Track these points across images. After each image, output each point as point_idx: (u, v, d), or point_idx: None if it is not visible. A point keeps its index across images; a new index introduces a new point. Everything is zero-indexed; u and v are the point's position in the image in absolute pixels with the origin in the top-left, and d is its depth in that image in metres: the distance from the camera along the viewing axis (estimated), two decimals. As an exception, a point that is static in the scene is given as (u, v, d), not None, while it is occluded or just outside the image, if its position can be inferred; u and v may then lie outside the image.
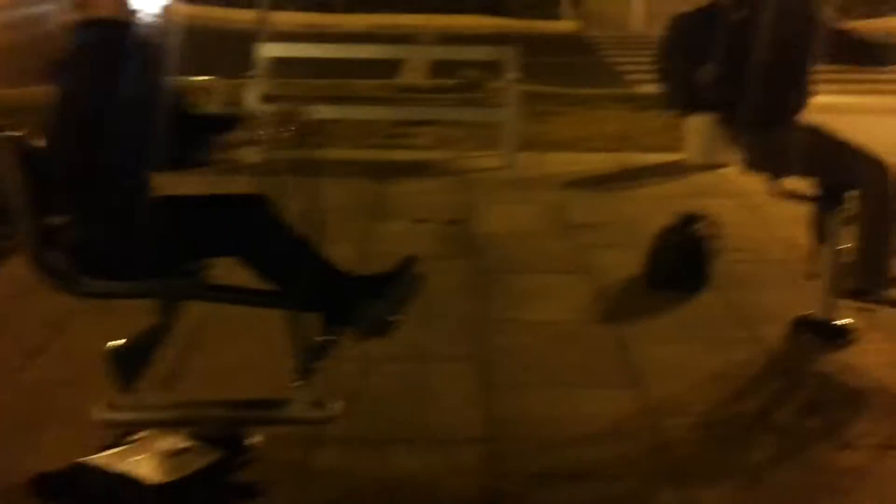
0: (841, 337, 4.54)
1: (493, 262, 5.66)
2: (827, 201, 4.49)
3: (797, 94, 4.42)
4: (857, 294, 4.40)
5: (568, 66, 14.41)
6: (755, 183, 7.30)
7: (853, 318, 4.58)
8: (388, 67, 11.51)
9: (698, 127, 7.92)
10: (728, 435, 3.75)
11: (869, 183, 4.30)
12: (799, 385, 4.16)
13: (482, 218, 6.52)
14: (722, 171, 7.70)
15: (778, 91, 4.35)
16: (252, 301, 3.23)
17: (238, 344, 4.32)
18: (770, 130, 4.39)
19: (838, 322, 4.57)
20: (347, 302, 3.08)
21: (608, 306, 5.03)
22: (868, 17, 16.94)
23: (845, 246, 4.49)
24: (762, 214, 6.57)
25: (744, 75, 4.35)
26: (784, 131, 4.37)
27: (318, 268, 3.13)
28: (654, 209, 6.62)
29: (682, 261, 5.19)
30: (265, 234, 3.10)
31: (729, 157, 7.81)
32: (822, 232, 4.57)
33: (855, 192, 4.39)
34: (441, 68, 11.48)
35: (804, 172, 4.51)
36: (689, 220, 5.36)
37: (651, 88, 12.06)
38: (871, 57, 4.46)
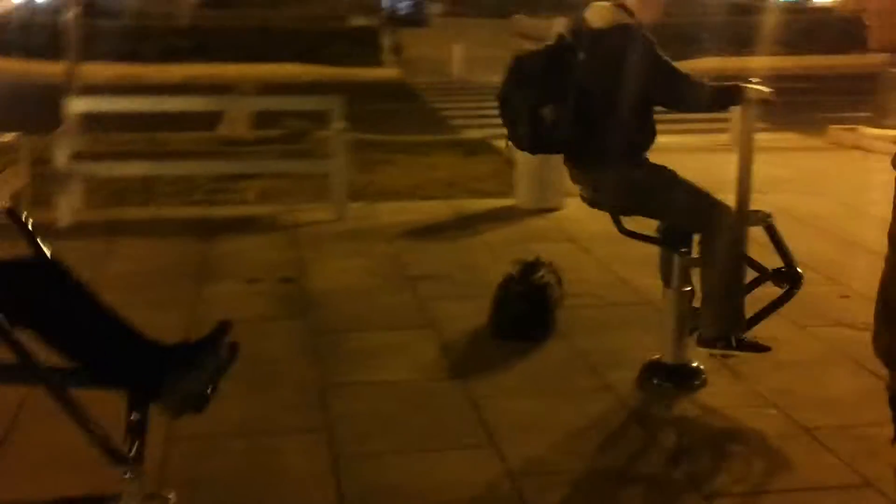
0: (691, 380, 4.47)
1: (330, 321, 5.38)
2: (671, 243, 4.43)
3: (642, 132, 4.35)
4: (707, 343, 4.34)
5: (393, 113, 14.33)
6: (588, 225, 7.39)
7: (702, 361, 4.52)
8: (208, 119, 11.12)
9: (527, 172, 7.90)
10: (594, 491, 3.59)
11: (712, 227, 4.26)
12: (658, 433, 4.05)
13: (316, 274, 6.23)
14: (553, 214, 7.68)
15: (622, 130, 4.27)
16: (41, 379, 2.64)
17: (59, 431, 3.89)
18: (615, 169, 4.31)
19: (688, 365, 4.50)
20: (155, 375, 2.71)
21: (455, 361, 4.82)
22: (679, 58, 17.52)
23: (688, 289, 4.44)
24: (599, 257, 6.55)
25: (587, 114, 4.26)
26: (629, 170, 4.29)
27: (120, 337, 2.78)
28: (492, 256, 6.51)
29: (527, 309, 5.05)
30: (57, 302, 2.73)
31: (559, 201, 7.85)
32: (667, 274, 4.50)
33: (698, 236, 4.35)
34: (264, 119, 11.17)
35: (649, 213, 4.45)
36: (531, 267, 5.24)
37: (477, 133, 12.26)
38: (698, 101, 4.43)
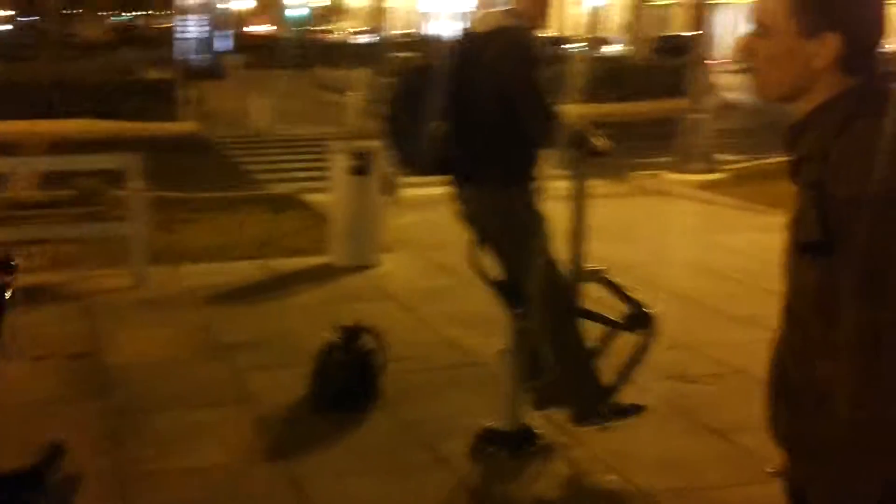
0: (528, 446, 4.23)
1: (132, 400, 4.87)
2: (509, 297, 4.19)
3: (528, 148, 4.08)
4: (580, 422, 4.11)
5: (193, 168, 13.71)
6: (408, 282, 7.14)
7: (539, 423, 4.29)
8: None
9: (342, 227, 7.58)
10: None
11: (543, 298, 4.05)
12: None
13: (114, 348, 5.68)
14: (371, 272, 7.38)
15: (508, 142, 4.01)
16: None
17: None
18: (499, 189, 4.05)
19: (524, 429, 4.26)
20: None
21: (274, 440, 4.43)
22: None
23: (524, 350, 4.21)
24: (422, 316, 6.28)
25: (471, 133, 3.99)
26: (513, 194, 4.04)
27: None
28: (309, 320, 6.13)
29: (350, 379, 4.71)
30: None
31: (376, 257, 7.56)
32: (513, 337, 4.26)
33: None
34: (53, 179, 10.41)
35: (504, 253, 4.18)
36: (352, 333, 4.90)
37: (284, 188, 11.85)
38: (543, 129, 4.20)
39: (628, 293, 4.22)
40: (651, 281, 7.20)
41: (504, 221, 4.09)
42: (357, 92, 20.96)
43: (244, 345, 5.69)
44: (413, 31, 49.90)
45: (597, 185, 11.51)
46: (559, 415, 4.20)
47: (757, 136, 17.73)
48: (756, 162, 12.72)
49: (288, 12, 62.87)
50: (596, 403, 4.09)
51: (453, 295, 6.70)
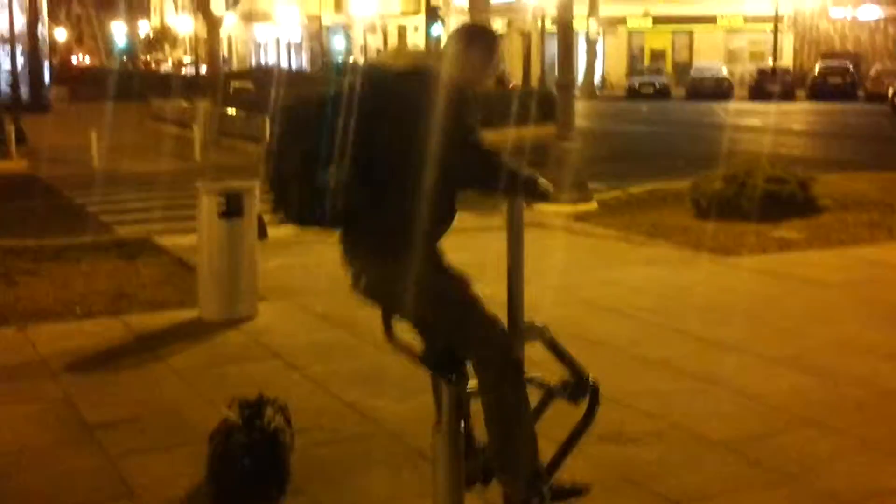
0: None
1: (-11, 503, 4.06)
2: (440, 368, 3.61)
3: (438, 210, 3.48)
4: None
5: (29, 213, 12.60)
6: (289, 336, 6.45)
7: (479, 507, 3.73)
8: None
9: (211, 276, 6.85)
10: None
11: (493, 362, 3.48)
12: None
13: (-41, 434, 4.82)
14: (247, 325, 6.67)
15: (414, 203, 3.40)
16: None
17: None
18: (401, 255, 3.43)
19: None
20: None
21: (171, 547, 3.70)
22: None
23: (461, 427, 3.63)
24: (312, 376, 5.63)
25: (374, 179, 3.38)
26: (418, 261, 3.43)
27: None
28: (186, 388, 5.43)
29: (257, 464, 4.03)
30: None
31: (251, 308, 6.85)
32: (438, 404, 3.68)
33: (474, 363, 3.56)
34: None
35: (424, 321, 3.59)
36: (255, 408, 4.22)
37: (135, 230, 10.93)
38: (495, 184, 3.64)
39: (570, 357, 3.71)
40: (550, 323, 6.75)
41: (415, 292, 3.49)
42: (201, 124, 20.02)
43: (115, 424, 4.91)
44: (247, 63, 48.82)
45: (466, 219, 11.11)
46: (494, 493, 3.64)
47: (617, 162, 17.78)
48: (624, 191, 12.58)
49: (115, 41, 60.69)
50: (538, 486, 3.55)
51: (343, 349, 6.09)
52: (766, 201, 10.50)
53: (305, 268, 8.22)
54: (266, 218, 7.09)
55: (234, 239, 6.84)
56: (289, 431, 4.27)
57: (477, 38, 3.59)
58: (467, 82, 3.47)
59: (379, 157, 3.37)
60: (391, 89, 3.40)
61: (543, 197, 3.71)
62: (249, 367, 5.80)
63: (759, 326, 6.60)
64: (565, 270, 8.22)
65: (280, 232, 8.47)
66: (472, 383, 3.55)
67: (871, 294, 7.51)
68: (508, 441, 3.53)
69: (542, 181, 3.62)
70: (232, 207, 6.79)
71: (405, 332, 3.62)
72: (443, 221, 3.49)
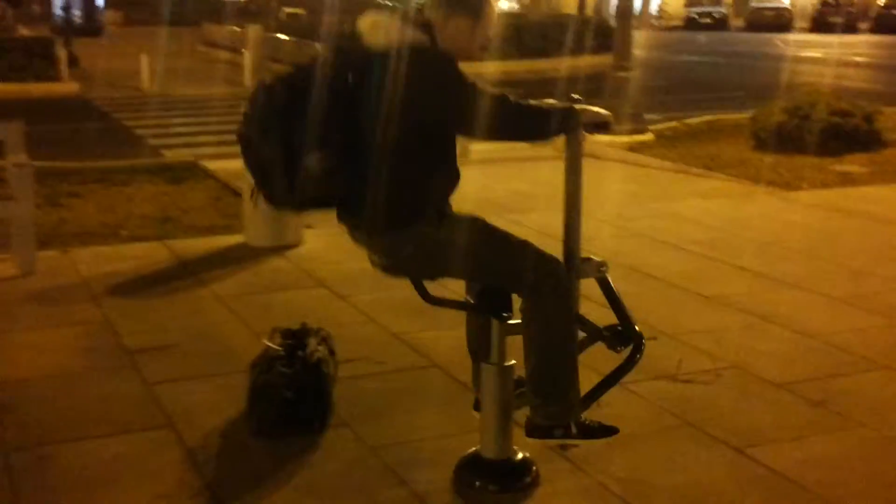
0: (522, 478, 3.51)
1: (21, 430, 3.97)
2: (490, 308, 3.44)
3: (441, 178, 3.32)
4: (540, 432, 3.38)
5: (78, 134, 12.55)
6: (337, 264, 6.30)
7: (530, 449, 3.57)
8: None
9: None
10: None
11: (539, 285, 3.30)
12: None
13: (0, 357, 4.76)
14: (293, 252, 6.54)
15: (415, 177, 3.24)
16: None
17: None
18: (410, 228, 3.27)
19: (514, 458, 3.53)
20: None
21: (214, 478, 3.59)
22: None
23: (511, 363, 3.47)
24: (360, 305, 5.48)
25: (367, 161, 3.20)
26: (429, 229, 3.26)
27: None
28: (229, 314, 5.31)
29: (299, 397, 3.90)
30: None
31: (297, 235, 6.71)
32: (482, 347, 3.51)
33: (521, 297, 3.38)
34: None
35: (459, 274, 3.44)
36: (297, 338, 4.09)
37: (183, 154, 10.82)
38: (536, 130, 3.45)
39: (621, 303, 3.52)
40: (604, 256, 6.55)
41: (438, 258, 3.31)
42: (252, 50, 19.83)
43: (156, 349, 4.81)
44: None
45: (518, 147, 10.96)
46: (561, 441, 3.47)
47: (674, 93, 17.34)
48: (681, 121, 12.22)
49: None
50: (567, 416, 3.39)
51: (388, 279, 5.92)
52: (829, 134, 10.15)
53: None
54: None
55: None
56: (333, 362, 4.15)
57: (460, 2, 3.32)
58: (455, 53, 3.22)
59: (367, 139, 3.16)
60: (372, 69, 3.15)
61: (604, 127, 3.50)
62: (294, 295, 5.67)
63: (821, 263, 6.34)
64: (620, 202, 7.99)
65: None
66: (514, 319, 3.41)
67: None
68: (549, 366, 3.36)
69: (601, 111, 3.42)
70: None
71: (440, 286, 3.44)
72: (449, 185, 3.31)
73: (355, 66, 3.21)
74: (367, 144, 3.19)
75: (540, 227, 6.75)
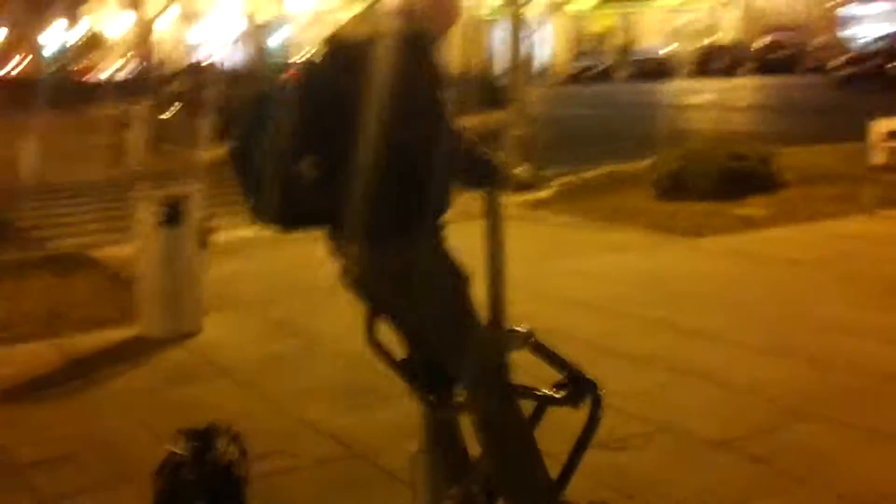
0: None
1: None
2: (421, 380, 3.18)
3: (435, 194, 3.03)
4: None
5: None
6: (239, 350, 5.97)
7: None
8: None
9: (151, 289, 6.34)
10: None
11: (480, 382, 3.06)
12: None
13: None
14: (192, 341, 6.17)
15: (415, 183, 2.96)
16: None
17: None
18: (408, 237, 3.00)
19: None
20: None
21: None
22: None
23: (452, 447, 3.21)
24: (267, 393, 5.16)
25: (359, 169, 2.93)
26: (426, 242, 3.01)
27: None
28: (128, 417, 4.93)
29: (208, 503, 3.56)
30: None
31: (196, 322, 6.35)
32: (428, 432, 3.24)
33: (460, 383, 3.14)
34: None
35: (402, 321, 3.16)
36: (204, 439, 3.75)
37: (67, 243, 10.32)
38: (476, 177, 3.22)
39: (561, 357, 3.29)
40: (525, 320, 6.36)
41: (407, 283, 3.07)
42: (138, 129, 19.34)
43: (50, 462, 4.40)
44: (183, 62, 47.83)
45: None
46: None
47: (566, 148, 17.42)
48: (578, 175, 12.20)
49: (44, 51, 59.38)
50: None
51: (299, 362, 5.63)
52: (727, 179, 10.21)
53: (253, 274, 7.74)
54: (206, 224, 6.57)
55: (174, 248, 6.33)
56: (244, 463, 3.81)
57: None
58: (428, 24, 3.02)
59: (354, 148, 2.92)
60: (357, 69, 2.95)
61: (507, 184, 3.32)
62: (197, 389, 5.31)
63: (737, 312, 6.24)
64: (526, 261, 7.80)
65: (224, 237, 7.97)
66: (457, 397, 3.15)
67: (847, 270, 7.20)
68: (513, 462, 3.11)
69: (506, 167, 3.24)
70: (172, 214, 6.29)
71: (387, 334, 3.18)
72: (443, 201, 3.03)
73: (345, 65, 2.97)
74: (361, 147, 2.93)
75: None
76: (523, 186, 3.25)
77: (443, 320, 3.07)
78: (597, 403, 3.24)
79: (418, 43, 2.97)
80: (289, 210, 3.02)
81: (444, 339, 3.08)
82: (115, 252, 8.39)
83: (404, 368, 3.23)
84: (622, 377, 5.11)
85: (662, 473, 3.96)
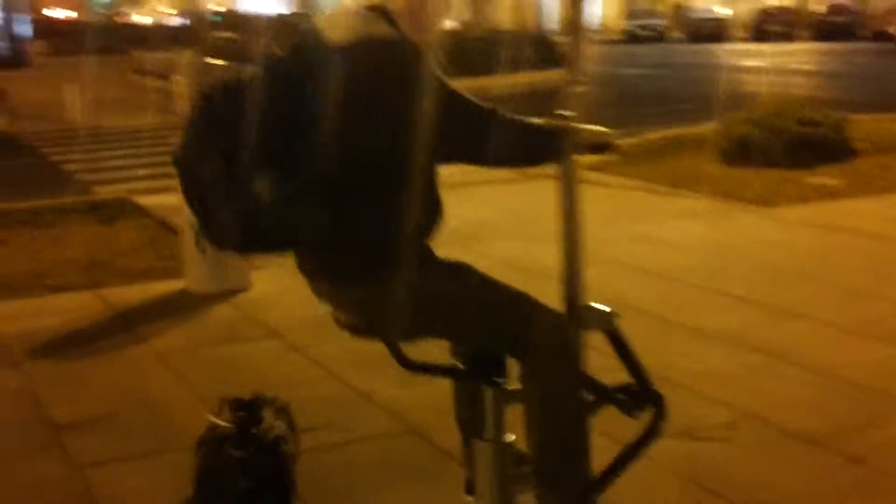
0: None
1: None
2: (477, 374, 2.84)
3: (423, 212, 2.71)
4: None
5: (3, 173, 11.75)
6: (289, 309, 5.65)
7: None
8: None
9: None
10: None
11: (537, 350, 2.72)
12: None
13: None
14: (240, 298, 5.88)
15: (391, 212, 2.63)
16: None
17: None
18: (386, 276, 2.66)
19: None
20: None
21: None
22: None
23: (511, 438, 2.87)
24: (318, 358, 4.85)
25: (332, 186, 2.58)
26: (406, 278, 2.64)
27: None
28: (172, 377, 4.65)
29: (253, 483, 3.26)
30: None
31: (244, 279, 6.06)
32: (473, 419, 2.92)
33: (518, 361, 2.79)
34: None
35: (445, 334, 2.83)
36: (250, 411, 3.44)
37: (115, 190, 10.08)
38: (531, 153, 2.89)
39: (635, 358, 2.94)
40: (589, 289, 6.00)
41: (419, 315, 2.69)
42: (184, 76, 19.11)
43: (86, 424, 4.13)
44: (227, 9, 47.43)
45: (470, 169, 10.34)
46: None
47: (625, 107, 16.92)
48: (641, 137, 11.74)
49: (92, -7, 59.34)
50: (586, 501, 2.81)
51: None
52: (798, 145, 9.72)
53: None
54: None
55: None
56: (292, 438, 3.50)
57: None
58: (418, 31, 2.67)
59: (332, 158, 2.56)
60: (332, 68, 2.56)
61: (604, 147, 3.00)
62: (244, 349, 5.03)
63: (820, 287, 5.83)
64: (590, 226, 7.43)
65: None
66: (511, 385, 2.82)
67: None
68: (554, 445, 2.77)
69: (600, 128, 2.91)
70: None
71: (420, 348, 2.83)
72: (431, 220, 2.71)
73: (313, 67, 2.60)
74: (330, 167, 2.57)
75: (507, 259, 6.21)
76: (594, 148, 2.92)
77: (476, 324, 2.73)
78: (659, 416, 2.90)
79: (396, 48, 2.60)
80: (245, 234, 2.63)
81: (486, 326, 2.74)
82: (162, 200, 8.11)
83: (457, 372, 2.90)
84: (698, 356, 4.76)
85: (748, 469, 3.60)
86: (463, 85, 2.70)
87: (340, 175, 2.58)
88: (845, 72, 25.26)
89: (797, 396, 4.23)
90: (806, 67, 26.45)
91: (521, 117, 2.77)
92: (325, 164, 2.57)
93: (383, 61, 2.59)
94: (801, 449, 3.75)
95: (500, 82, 19.36)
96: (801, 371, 4.52)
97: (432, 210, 2.73)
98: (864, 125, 11.38)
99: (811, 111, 10.36)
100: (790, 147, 9.66)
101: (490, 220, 7.78)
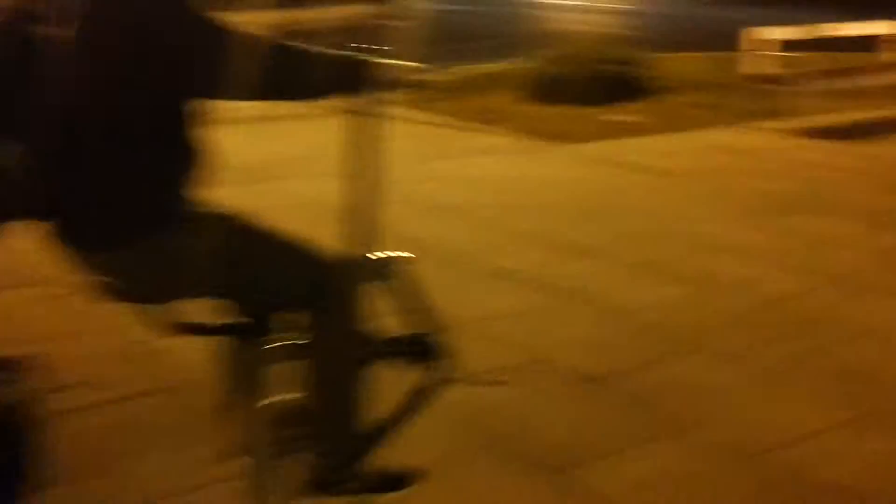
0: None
1: None
2: (246, 331, 2.58)
3: (182, 162, 2.37)
4: (322, 487, 2.57)
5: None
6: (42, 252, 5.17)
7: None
8: None
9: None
10: None
11: (311, 303, 2.49)
12: None
13: None
14: None
15: (142, 170, 2.30)
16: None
17: None
18: (142, 239, 2.33)
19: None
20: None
21: None
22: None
23: (280, 398, 2.63)
24: (75, 304, 4.45)
25: (80, 146, 2.23)
26: (165, 236, 2.33)
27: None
28: None
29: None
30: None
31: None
32: (240, 380, 2.66)
33: (292, 315, 2.55)
34: None
35: (210, 292, 2.53)
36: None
37: None
38: (325, 86, 2.58)
39: (424, 305, 2.77)
40: (381, 230, 5.78)
41: (184, 273, 2.37)
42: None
43: None
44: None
45: (273, 106, 9.91)
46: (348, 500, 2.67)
47: (431, 44, 16.71)
48: (446, 72, 11.56)
49: None
50: (351, 461, 2.62)
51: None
52: (599, 83, 9.77)
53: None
54: None
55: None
56: (35, 401, 3.16)
57: None
58: None
59: (76, 112, 2.21)
60: (69, 7, 2.21)
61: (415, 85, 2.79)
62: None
63: (612, 225, 5.81)
64: (392, 162, 7.22)
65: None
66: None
67: (724, 185, 6.86)
68: (330, 403, 2.57)
69: (408, 62, 2.68)
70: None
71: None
72: (188, 165, 2.35)
73: (54, 10, 2.24)
74: (75, 125, 2.23)
75: (300, 197, 5.93)
76: (409, 84, 2.72)
77: (243, 279, 2.45)
78: (433, 366, 2.77)
79: None
80: None
81: (257, 291, 2.48)
82: None
83: (223, 329, 2.61)
84: (485, 298, 4.64)
85: (533, 415, 3.49)
86: (272, 18, 2.40)
87: (80, 132, 2.24)
88: (655, 11, 25.81)
89: (582, 336, 4.16)
90: (616, 6, 26.90)
91: (320, 49, 2.46)
92: (58, 122, 2.23)
93: None
94: (586, 391, 3.67)
95: (312, 16, 18.83)
96: (588, 309, 4.46)
97: (187, 162, 2.40)
98: (670, 63, 11.56)
99: (618, 50, 10.42)
100: (596, 85, 9.71)
101: (284, 156, 7.46)
